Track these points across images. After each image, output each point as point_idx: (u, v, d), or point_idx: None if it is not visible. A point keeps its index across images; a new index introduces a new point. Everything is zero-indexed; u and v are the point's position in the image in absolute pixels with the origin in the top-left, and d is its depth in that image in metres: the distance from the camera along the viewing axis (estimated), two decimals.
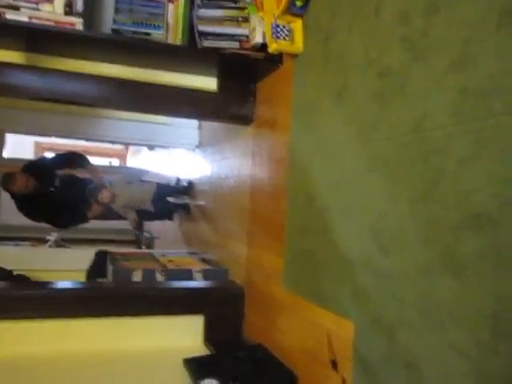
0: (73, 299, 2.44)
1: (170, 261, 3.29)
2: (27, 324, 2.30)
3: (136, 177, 4.46)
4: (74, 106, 3.00)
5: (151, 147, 6.17)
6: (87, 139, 5.28)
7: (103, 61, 2.56)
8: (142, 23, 2.27)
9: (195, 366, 2.12)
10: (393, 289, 1.40)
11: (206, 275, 2.95)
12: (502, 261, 1.04)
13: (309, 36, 2.06)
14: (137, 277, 2.78)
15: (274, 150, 2.41)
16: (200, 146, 4.23)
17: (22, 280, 3.22)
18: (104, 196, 3.85)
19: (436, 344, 1.22)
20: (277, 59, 2.35)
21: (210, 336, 2.55)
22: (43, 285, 2.61)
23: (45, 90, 2.37)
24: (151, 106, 2.63)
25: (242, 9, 2.35)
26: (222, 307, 2.63)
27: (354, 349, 1.57)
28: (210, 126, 3.89)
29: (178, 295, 2.62)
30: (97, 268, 3.29)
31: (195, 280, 2.90)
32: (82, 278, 3.18)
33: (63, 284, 2.54)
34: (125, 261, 3.16)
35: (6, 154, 7.59)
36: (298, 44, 2.09)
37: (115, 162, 9.67)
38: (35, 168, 3.75)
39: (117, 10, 2.24)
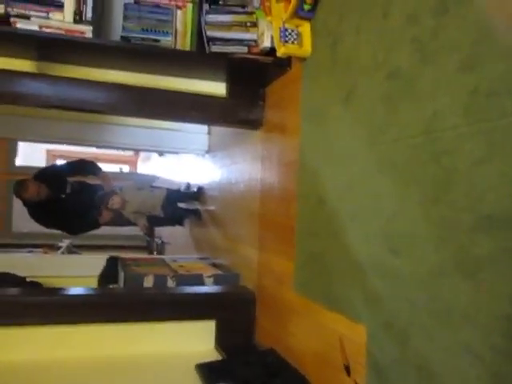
0: (85, 305, 2.44)
1: (181, 266, 3.29)
2: (40, 330, 2.31)
3: (146, 183, 4.49)
4: (84, 114, 3.02)
5: (161, 153, 6.22)
6: (98, 146, 5.34)
7: (112, 67, 2.59)
8: (150, 30, 2.29)
9: (207, 371, 2.12)
10: (405, 292, 1.38)
11: (217, 280, 2.94)
12: None
13: (317, 39, 2.06)
14: (148, 282, 2.79)
15: (284, 154, 2.40)
16: (210, 151, 4.23)
17: (34, 286, 3.25)
18: (115, 202, 3.88)
19: (449, 347, 1.20)
20: (285, 63, 2.35)
21: (221, 341, 2.54)
22: (56, 291, 2.63)
23: (54, 97, 2.38)
24: (160, 111, 2.63)
25: (250, 14, 2.36)
26: (233, 312, 2.62)
27: (367, 353, 1.56)
28: (220, 131, 3.89)
29: (189, 301, 2.62)
30: (108, 274, 3.30)
31: (206, 285, 2.89)
32: (94, 284, 3.20)
33: (75, 290, 2.55)
34: (136, 266, 3.17)
35: (18, 162, 7.70)
36: (307, 47, 2.09)
37: (126, 169, 9.75)
38: (47, 175, 3.80)
39: (126, 17, 2.27)
